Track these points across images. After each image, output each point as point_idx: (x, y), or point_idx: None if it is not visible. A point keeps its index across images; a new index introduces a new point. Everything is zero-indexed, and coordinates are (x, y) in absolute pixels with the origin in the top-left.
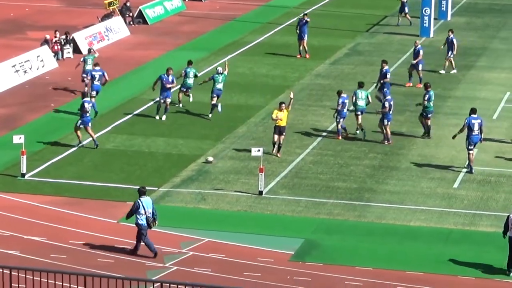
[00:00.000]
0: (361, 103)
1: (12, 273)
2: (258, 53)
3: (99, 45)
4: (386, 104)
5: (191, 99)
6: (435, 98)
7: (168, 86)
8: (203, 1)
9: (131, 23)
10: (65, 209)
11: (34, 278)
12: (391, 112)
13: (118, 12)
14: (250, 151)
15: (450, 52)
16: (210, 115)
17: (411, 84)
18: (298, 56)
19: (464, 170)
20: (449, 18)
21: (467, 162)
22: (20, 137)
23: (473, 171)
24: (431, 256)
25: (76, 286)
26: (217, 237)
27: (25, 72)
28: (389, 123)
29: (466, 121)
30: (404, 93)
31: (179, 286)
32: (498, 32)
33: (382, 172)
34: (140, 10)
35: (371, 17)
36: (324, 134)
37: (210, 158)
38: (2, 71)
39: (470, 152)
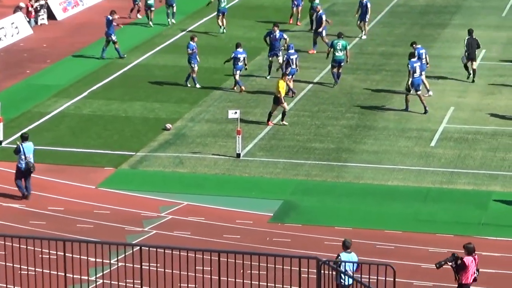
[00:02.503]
0: (339, 54)
1: None
2: (234, 15)
3: (74, 11)
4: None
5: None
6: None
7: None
8: None
9: None
10: (43, 176)
11: (13, 244)
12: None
13: None
14: (227, 113)
15: (364, 17)
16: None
17: (314, 52)
18: (290, 22)
19: (441, 128)
20: None
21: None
22: None
23: (408, 109)
24: (410, 215)
25: (55, 252)
26: (196, 200)
27: (1, 39)
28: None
29: (409, 66)
30: (380, 53)
31: (158, 249)
32: None
33: (359, 132)
34: None
35: None
36: (302, 95)
37: (168, 126)
38: None
39: (419, 93)
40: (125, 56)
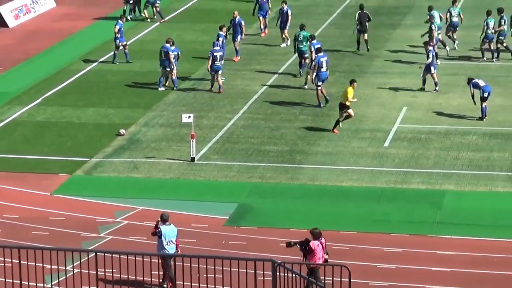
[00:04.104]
0: (301, 45)
1: None
2: (186, 19)
3: (26, 18)
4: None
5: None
6: (362, 57)
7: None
8: None
9: None
10: None
11: None
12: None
13: None
14: (181, 117)
15: (285, 25)
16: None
17: (238, 59)
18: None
19: (395, 128)
20: None
21: (324, 97)
22: None
23: (321, 105)
24: (364, 215)
25: (10, 260)
26: (151, 205)
27: None
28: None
29: (316, 60)
30: (332, 54)
31: (114, 255)
32: None
33: (313, 134)
34: None
35: None
36: (255, 97)
37: (122, 131)
38: None
39: (319, 88)
40: (123, 62)
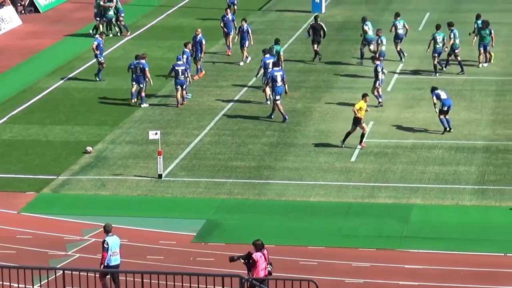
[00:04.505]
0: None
1: None
2: (152, 36)
3: None
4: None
5: None
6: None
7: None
8: None
9: (23, 12)
10: None
11: None
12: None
13: (9, 1)
14: (147, 134)
15: (244, 42)
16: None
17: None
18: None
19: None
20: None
21: (277, 112)
22: None
23: (286, 118)
24: (332, 230)
25: None
26: (119, 222)
27: None
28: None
29: (269, 74)
30: (299, 69)
31: (81, 273)
32: (388, 5)
33: (280, 149)
34: None
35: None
36: (222, 113)
37: (89, 149)
38: None
39: (277, 102)
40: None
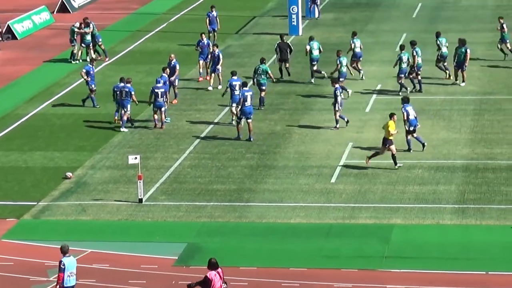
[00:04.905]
0: (261, 78)
1: None
2: (130, 61)
3: None
4: None
5: None
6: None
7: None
8: (71, 12)
9: (0, 39)
10: None
11: None
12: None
13: None
14: (127, 159)
15: (215, 68)
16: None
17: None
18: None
19: (341, 164)
20: (317, 15)
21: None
22: None
23: (240, 137)
24: (313, 251)
25: None
26: (100, 247)
27: None
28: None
29: (240, 94)
30: (277, 92)
31: None
32: (365, 26)
33: (260, 172)
34: (8, 25)
35: (239, 18)
36: (201, 137)
37: (69, 174)
38: None
39: (240, 122)
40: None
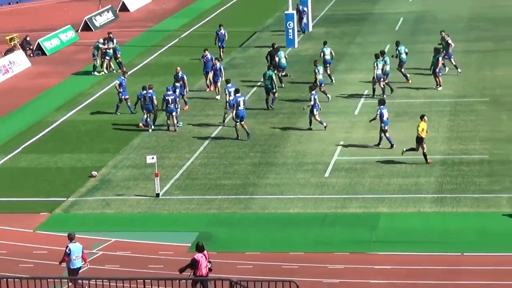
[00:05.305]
0: (267, 82)
1: None
2: (147, 73)
3: (4, 77)
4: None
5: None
6: (302, 100)
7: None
8: (93, 31)
9: (32, 55)
10: None
11: None
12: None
13: (19, 46)
14: (145, 159)
15: (218, 79)
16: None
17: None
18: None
19: (333, 160)
20: (310, 29)
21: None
22: None
23: (239, 138)
24: (310, 237)
25: None
26: (122, 237)
27: None
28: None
29: (234, 99)
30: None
31: (91, 281)
32: (354, 39)
33: (262, 168)
34: (38, 43)
35: (242, 33)
36: (210, 138)
37: (94, 173)
38: None
39: (237, 123)
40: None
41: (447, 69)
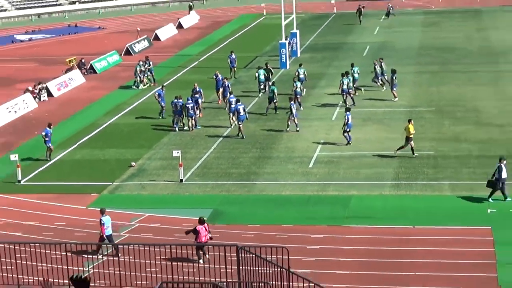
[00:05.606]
0: (271, 94)
1: (16, 247)
2: (175, 87)
3: (65, 90)
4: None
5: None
6: (290, 109)
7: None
8: (133, 55)
9: (86, 73)
10: (49, 202)
11: (31, 249)
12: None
13: (76, 67)
14: (172, 153)
15: (225, 94)
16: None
17: (201, 114)
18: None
19: (315, 155)
20: (298, 54)
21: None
22: (15, 156)
23: (244, 138)
24: (298, 214)
25: (60, 252)
26: (154, 212)
27: (15, 111)
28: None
29: (235, 107)
30: (272, 106)
31: (130, 246)
32: (332, 62)
33: (261, 161)
34: (91, 64)
35: (246, 57)
36: (221, 138)
37: (133, 163)
38: (0, 112)
39: (240, 126)
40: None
41: (384, 88)
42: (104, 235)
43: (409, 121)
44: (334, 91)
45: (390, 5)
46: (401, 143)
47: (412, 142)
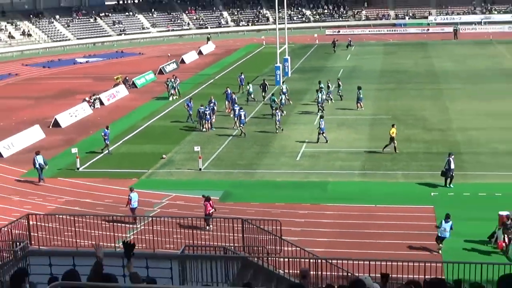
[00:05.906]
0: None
1: (75, 218)
2: (196, 98)
3: (113, 100)
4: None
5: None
6: (284, 118)
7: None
8: (164, 74)
9: (129, 88)
10: (100, 184)
11: (86, 220)
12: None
13: (122, 82)
14: (193, 148)
15: (231, 104)
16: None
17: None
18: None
19: (302, 151)
20: (289, 75)
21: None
22: (75, 149)
23: (245, 135)
24: (289, 195)
25: (108, 223)
26: (179, 193)
27: (76, 116)
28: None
29: (237, 113)
30: (266, 113)
31: (161, 218)
32: (315, 80)
33: (261, 154)
34: (133, 80)
35: (250, 76)
36: (230, 137)
37: (164, 156)
38: (64, 117)
39: (241, 127)
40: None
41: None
42: (130, 207)
43: (393, 125)
44: (315, 103)
45: (350, 39)
46: (366, 144)
47: (395, 142)
